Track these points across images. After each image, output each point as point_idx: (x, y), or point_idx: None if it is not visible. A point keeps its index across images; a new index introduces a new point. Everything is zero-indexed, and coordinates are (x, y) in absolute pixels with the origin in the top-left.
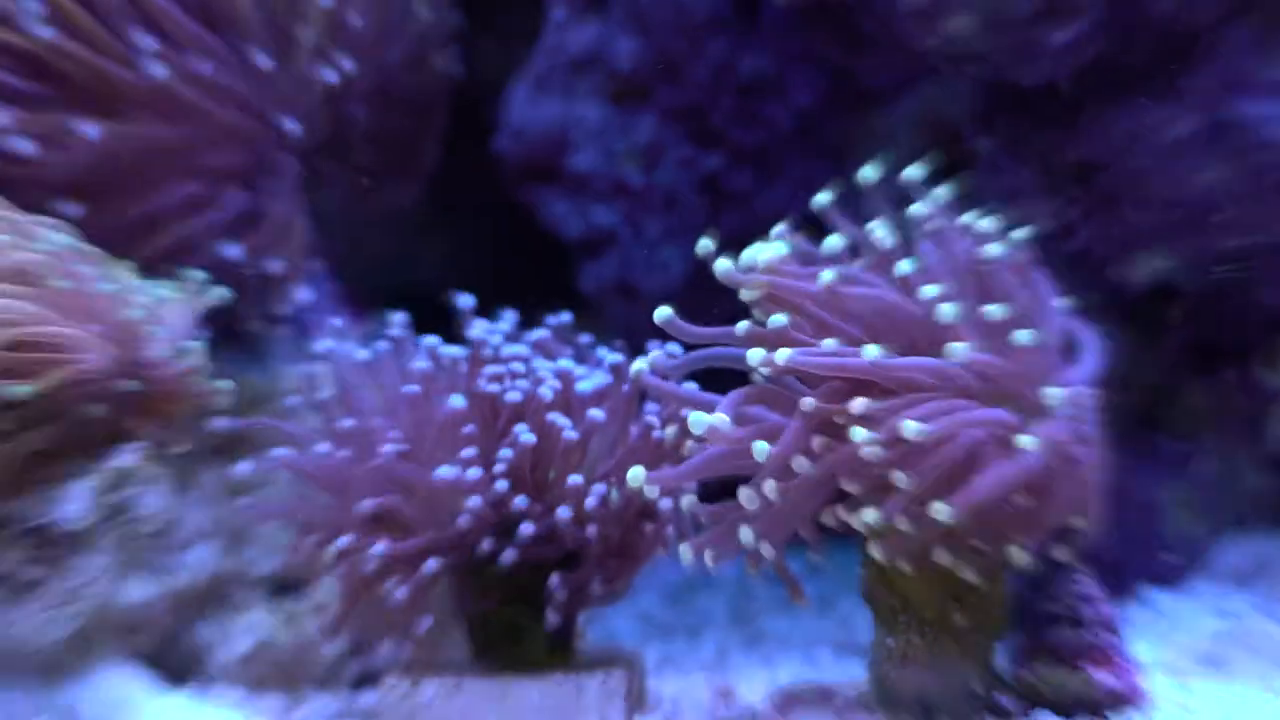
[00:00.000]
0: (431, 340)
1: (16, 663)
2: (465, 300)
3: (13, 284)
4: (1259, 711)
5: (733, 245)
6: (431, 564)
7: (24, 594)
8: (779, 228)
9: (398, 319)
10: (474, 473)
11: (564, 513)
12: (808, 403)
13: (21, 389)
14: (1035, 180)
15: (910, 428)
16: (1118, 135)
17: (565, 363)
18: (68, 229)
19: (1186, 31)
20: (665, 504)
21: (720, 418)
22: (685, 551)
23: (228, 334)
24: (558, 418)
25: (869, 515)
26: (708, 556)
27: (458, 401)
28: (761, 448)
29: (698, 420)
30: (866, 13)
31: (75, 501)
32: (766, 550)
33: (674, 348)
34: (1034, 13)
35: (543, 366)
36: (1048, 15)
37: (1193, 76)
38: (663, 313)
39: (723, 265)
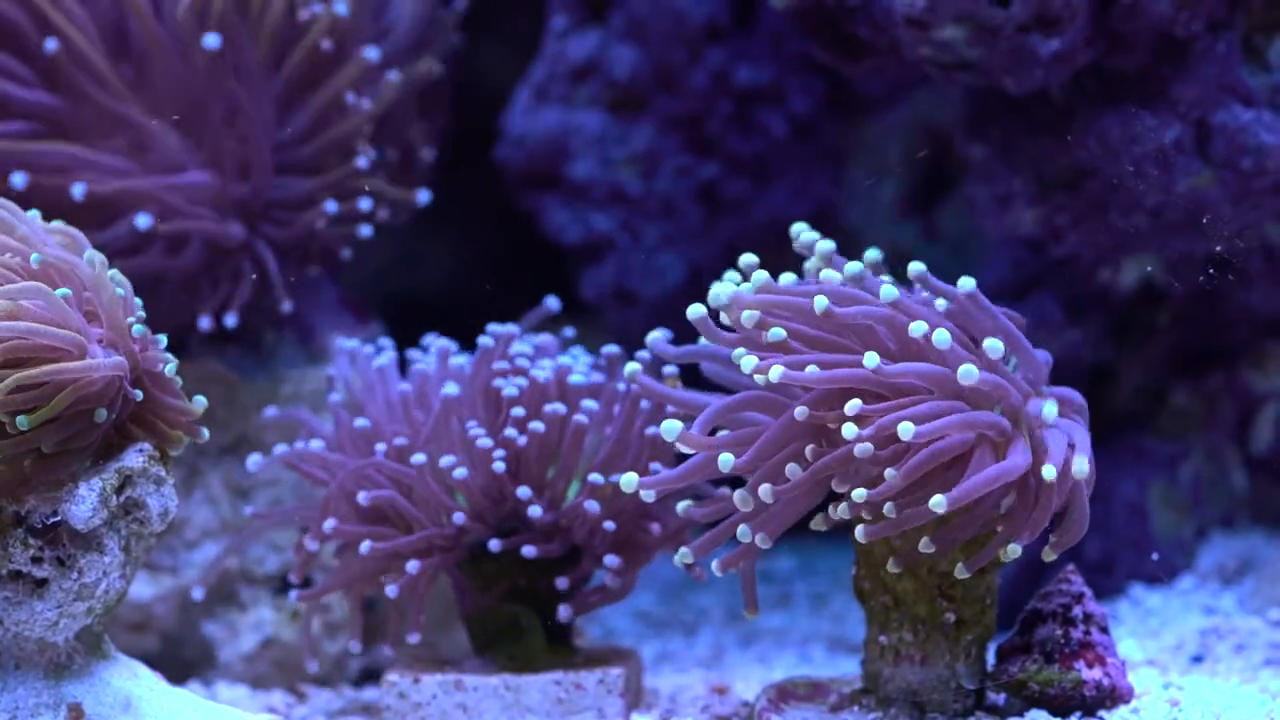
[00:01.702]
0: (443, 343)
1: (26, 659)
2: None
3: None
4: (1246, 707)
5: (730, 251)
6: (415, 565)
7: (34, 592)
8: (747, 258)
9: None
10: (482, 442)
11: (580, 502)
12: (801, 411)
13: (21, 420)
14: (1027, 187)
15: (906, 429)
16: (1107, 141)
17: (565, 360)
18: (76, 234)
19: (1175, 39)
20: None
21: (676, 426)
22: (685, 554)
23: (231, 336)
24: (557, 408)
25: (858, 494)
26: (715, 567)
27: (451, 389)
28: (726, 459)
29: (669, 429)
30: (861, 21)
31: (83, 501)
32: (762, 541)
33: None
34: (1025, 22)
35: (543, 363)
36: (1038, 24)
37: (1181, 83)
38: (696, 311)
39: (722, 289)
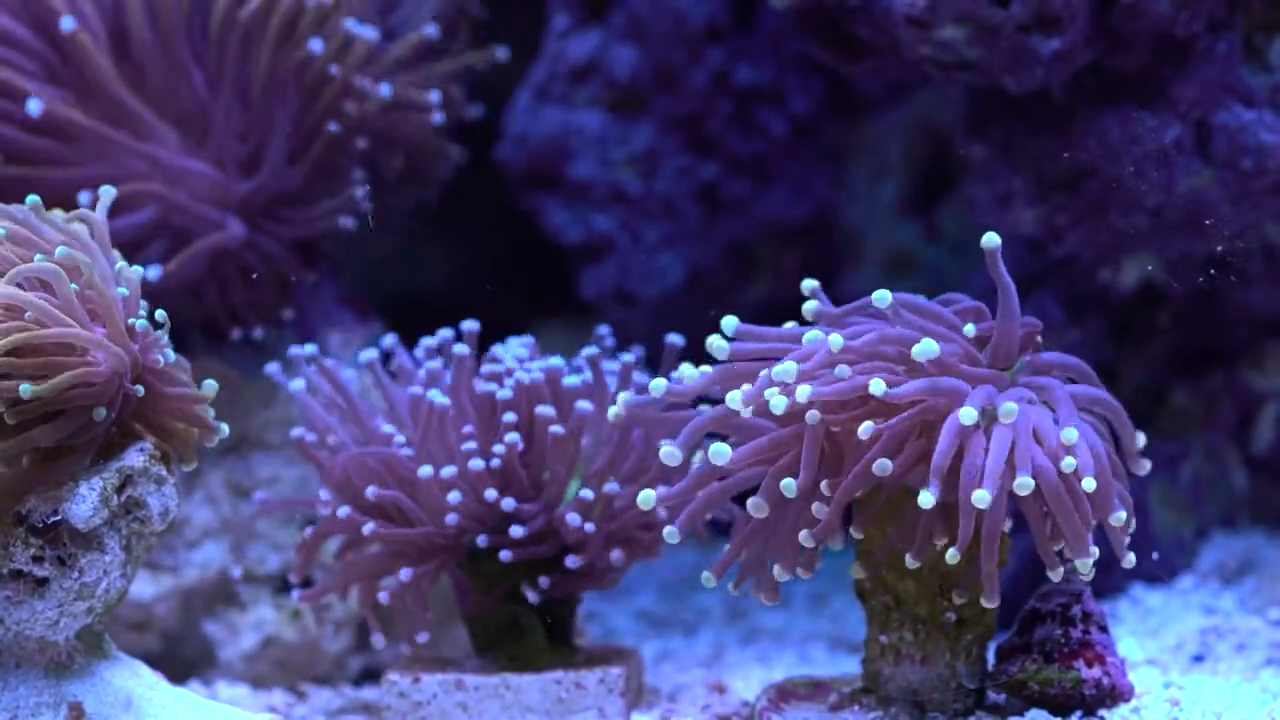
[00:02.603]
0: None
1: (27, 658)
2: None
3: (27, 284)
4: (1246, 707)
5: (730, 251)
6: (407, 573)
7: (34, 591)
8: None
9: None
10: (474, 464)
11: (563, 513)
12: (814, 416)
13: (24, 388)
14: (1027, 186)
15: (981, 497)
16: (1107, 141)
17: (555, 360)
18: (85, 227)
19: (1175, 39)
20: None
21: (725, 450)
22: (708, 577)
23: (229, 336)
24: (547, 410)
25: (952, 556)
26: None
27: (440, 399)
28: (789, 485)
29: (720, 452)
30: (861, 21)
31: (84, 500)
32: (780, 573)
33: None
34: (1025, 21)
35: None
36: (1038, 24)
37: (1182, 83)
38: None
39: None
